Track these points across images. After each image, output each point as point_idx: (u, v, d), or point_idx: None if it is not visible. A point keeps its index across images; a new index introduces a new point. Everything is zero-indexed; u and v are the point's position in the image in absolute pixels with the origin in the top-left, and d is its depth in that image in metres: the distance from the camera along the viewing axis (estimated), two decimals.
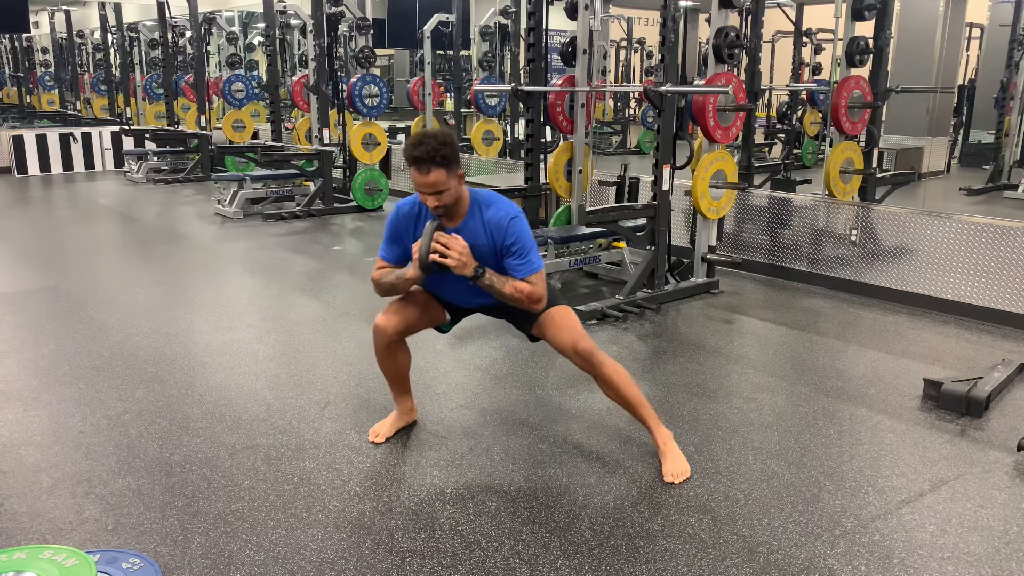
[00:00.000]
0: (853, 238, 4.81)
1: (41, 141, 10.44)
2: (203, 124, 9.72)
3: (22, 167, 10.32)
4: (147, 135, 10.18)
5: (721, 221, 4.94)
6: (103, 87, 13.22)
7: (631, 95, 12.37)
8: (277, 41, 9.16)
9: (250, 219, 7.25)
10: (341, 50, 8.63)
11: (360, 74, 7.29)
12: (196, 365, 3.56)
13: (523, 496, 2.45)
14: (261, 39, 11.22)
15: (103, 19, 12.27)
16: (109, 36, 12.33)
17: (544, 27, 4.71)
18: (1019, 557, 2.16)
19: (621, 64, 12.73)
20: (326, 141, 7.61)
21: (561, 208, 5.00)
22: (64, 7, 13.86)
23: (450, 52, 9.48)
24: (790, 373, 3.53)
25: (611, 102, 11.92)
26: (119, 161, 10.89)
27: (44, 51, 14.93)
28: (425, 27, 8.92)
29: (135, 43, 12.21)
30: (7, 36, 14.66)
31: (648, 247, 4.57)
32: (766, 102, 9.66)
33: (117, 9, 11.94)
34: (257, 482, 2.52)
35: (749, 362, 3.66)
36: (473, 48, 9.08)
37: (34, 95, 14.78)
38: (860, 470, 2.63)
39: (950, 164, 9.02)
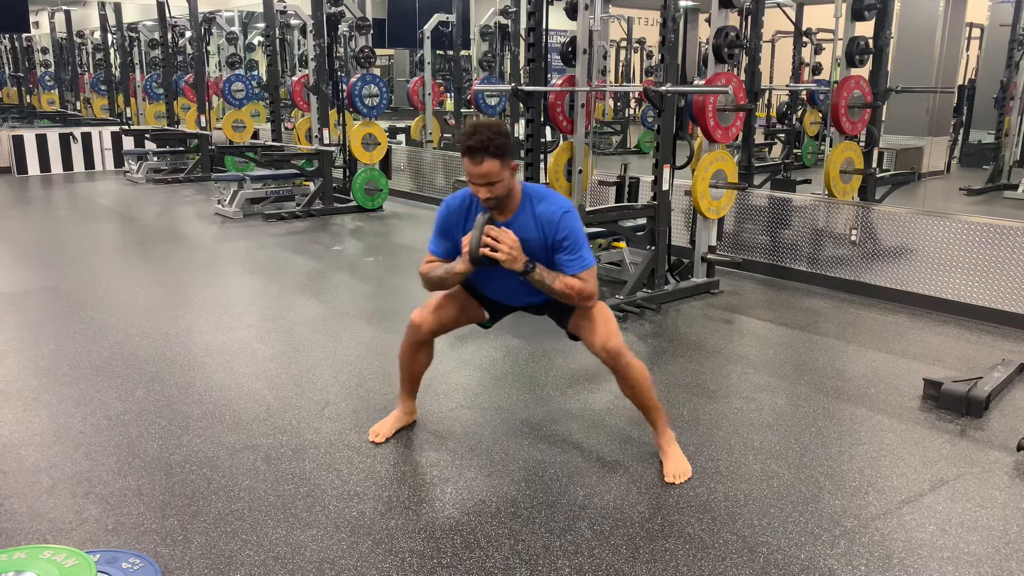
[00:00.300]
0: (853, 238, 4.81)
1: (41, 141, 10.44)
2: (203, 124, 9.72)
3: (22, 167, 10.31)
4: (147, 135, 10.17)
5: (721, 221, 4.94)
6: (103, 87, 13.22)
7: (631, 95, 12.37)
8: (277, 41, 9.16)
9: (250, 219, 7.25)
10: (341, 50, 8.63)
11: (360, 74, 7.29)
12: (196, 365, 3.56)
13: (523, 496, 2.45)
14: (261, 39, 11.22)
15: (103, 19, 12.26)
16: (109, 36, 12.32)
17: (544, 27, 4.70)
18: (1019, 557, 2.16)
19: (621, 64, 12.74)
20: (326, 141, 7.61)
21: None
22: (64, 7, 13.86)
23: (450, 52, 9.48)
24: (790, 373, 3.53)
25: (611, 102, 11.93)
26: (119, 161, 10.89)
27: (44, 51, 14.92)
28: (425, 27, 8.93)
29: (135, 43, 12.20)
30: (7, 36, 14.66)
31: (648, 247, 4.57)
32: (766, 102, 9.66)
33: (117, 9, 11.93)
34: (257, 482, 2.52)
35: (749, 362, 3.66)
36: (473, 48, 9.08)
37: (34, 95, 14.78)
38: (860, 470, 2.63)
39: (950, 164, 9.02)
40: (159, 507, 2.37)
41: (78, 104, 14.34)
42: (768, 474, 2.60)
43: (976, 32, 9.39)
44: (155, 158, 9.96)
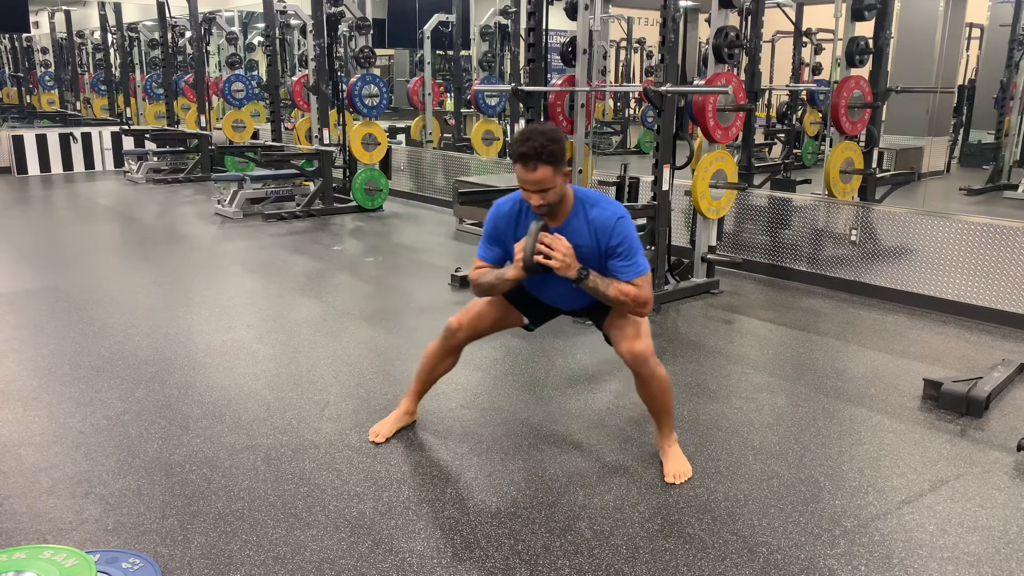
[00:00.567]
0: (853, 238, 4.81)
1: (41, 141, 10.43)
2: (203, 124, 9.72)
3: (22, 167, 10.31)
4: (147, 135, 10.17)
5: (721, 221, 4.94)
6: (103, 87, 13.22)
7: (631, 95, 12.37)
8: (277, 41, 9.16)
9: (250, 219, 7.25)
10: (341, 50, 8.63)
11: (360, 74, 7.29)
12: (196, 365, 3.56)
13: (523, 496, 2.45)
14: (261, 39, 11.22)
15: (103, 19, 12.27)
16: (109, 36, 12.32)
17: (544, 27, 4.70)
18: (1019, 557, 2.16)
19: (621, 64, 12.74)
20: (326, 141, 7.61)
21: None
22: (64, 7, 13.85)
23: (450, 52, 9.48)
24: (790, 373, 3.53)
25: (611, 102, 11.93)
26: (119, 161, 10.88)
27: (44, 51, 14.92)
28: (425, 27, 8.93)
29: (135, 43, 12.21)
30: (7, 36, 14.66)
31: (648, 247, 4.57)
32: (766, 102, 9.67)
33: (117, 9, 11.93)
34: (257, 482, 2.52)
35: (749, 362, 3.66)
36: (473, 48, 9.08)
37: (34, 95, 14.78)
38: (860, 470, 2.63)
39: (950, 164, 9.03)
40: (159, 507, 2.37)
41: (78, 104, 14.34)
42: (768, 474, 2.60)
43: (976, 32, 9.40)
44: (155, 158, 9.95)
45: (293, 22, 10.18)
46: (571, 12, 4.73)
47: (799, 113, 8.52)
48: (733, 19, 4.71)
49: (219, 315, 4.31)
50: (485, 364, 3.58)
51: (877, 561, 2.13)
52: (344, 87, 7.43)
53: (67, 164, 10.65)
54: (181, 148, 10.05)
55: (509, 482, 2.53)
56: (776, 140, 9.12)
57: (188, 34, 10.54)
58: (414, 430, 2.89)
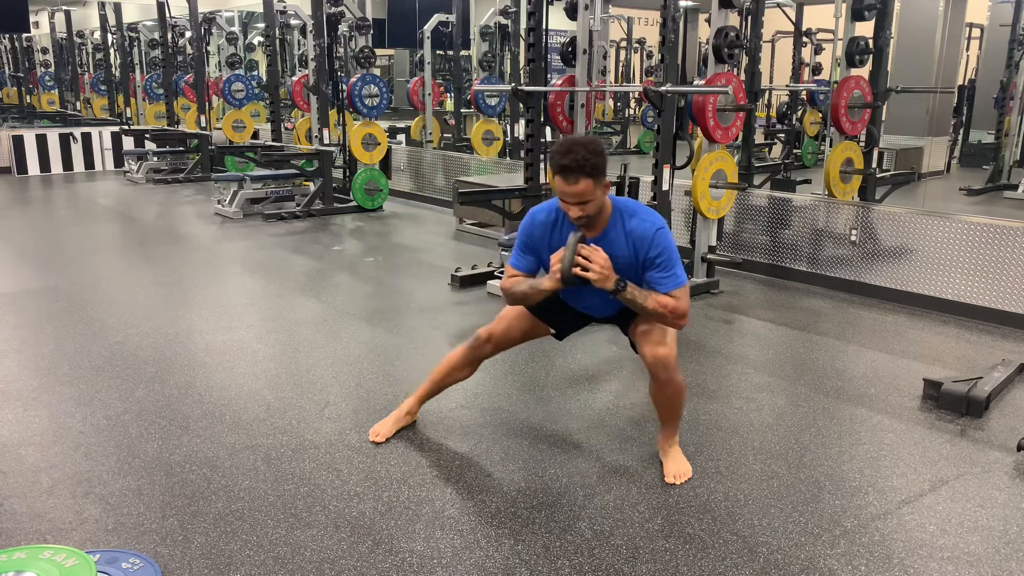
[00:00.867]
0: (853, 238, 4.81)
1: (41, 141, 10.43)
2: (203, 124, 9.72)
3: (22, 167, 10.31)
4: (147, 135, 10.17)
5: (721, 221, 4.94)
6: (103, 87, 13.22)
7: (631, 95, 12.38)
8: (277, 41, 9.16)
9: (250, 219, 7.25)
10: (341, 50, 8.63)
11: (360, 74, 7.29)
12: (196, 365, 3.56)
13: (523, 496, 2.45)
14: (261, 39, 11.23)
15: (103, 19, 12.26)
16: (109, 36, 12.32)
17: (544, 27, 4.70)
18: (1019, 557, 2.16)
19: (621, 64, 12.74)
20: (326, 141, 7.61)
21: None
22: (64, 7, 13.85)
23: (450, 52, 9.48)
24: (790, 373, 3.53)
25: (611, 102, 11.93)
26: (119, 161, 10.88)
27: (44, 51, 14.92)
28: (425, 27, 8.93)
29: (135, 43, 12.20)
30: (7, 36, 14.65)
31: None
32: (766, 102, 9.67)
33: (117, 9, 11.93)
34: (257, 482, 2.52)
35: (749, 362, 3.66)
36: (473, 48, 9.08)
37: (34, 95, 14.78)
38: (860, 470, 2.63)
39: (950, 164, 9.03)
40: (159, 507, 2.37)
41: (78, 104, 14.34)
42: (768, 474, 2.60)
43: (976, 32, 9.40)
44: (155, 158, 9.95)
45: (293, 22, 10.18)
46: (571, 12, 4.73)
47: (799, 113, 8.52)
48: (733, 19, 4.71)
49: (219, 315, 4.31)
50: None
51: (877, 561, 2.13)
52: (344, 87, 7.43)
53: (67, 164, 10.65)
54: (181, 148, 10.05)
55: (509, 482, 2.53)
56: (776, 140, 9.12)
57: (188, 34, 10.54)
58: (414, 430, 2.89)
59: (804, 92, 8.26)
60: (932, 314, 4.39)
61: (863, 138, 5.43)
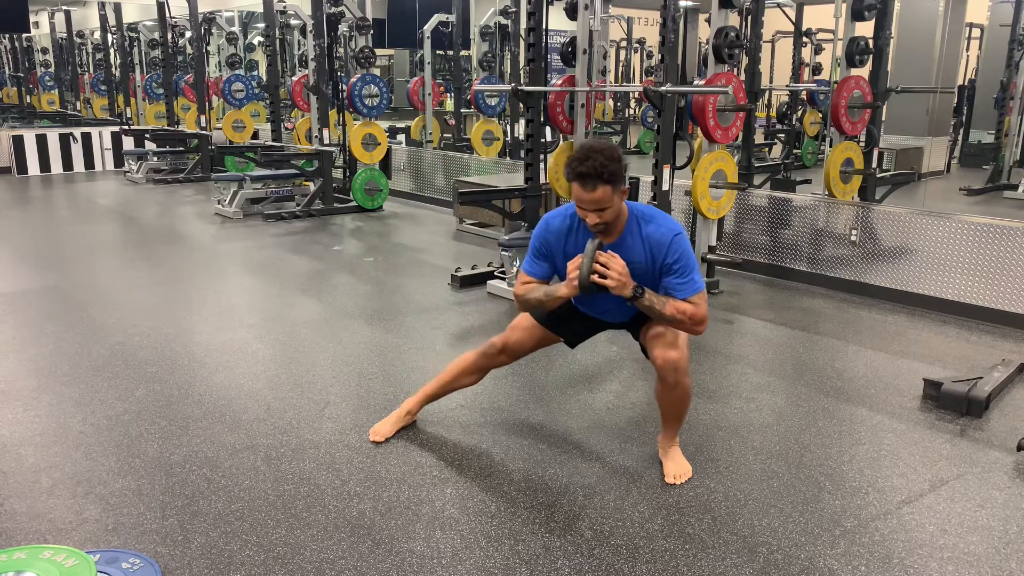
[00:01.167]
0: (853, 238, 4.81)
1: (41, 141, 10.43)
2: (203, 124, 9.72)
3: (22, 167, 10.31)
4: (147, 135, 10.17)
5: (721, 221, 4.94)
6: (103, 87, 13.22)
7: (631, 95, 12.37)
8: (277, 41, 9.16)
9: (250, 219, 7.25)
10: (341, 50, 8.63)
11: (360, 74, 7.29)
12: (196, 365, 3.56)
13: (523, 496, 2.45)
14: (261, 39, 11.22)
15: (103, 19, 12.26)
16: (109, 36, 12.32)
17: (544, 27, 4.71)
18: (1019, 557, 2.16)
19: (621, 64, 12.74)
20: (326, 141, 7.61)
21: None
22: (64, 7, 13.85)
23: (450, 52, 9.48)
24: (790, 373, 3.53)
25: (611, 102, 11.93)
26: (119, 161, 10.88)
27: (44, 51, 14.92)
28: (425, 27, 8.93)
29: (135, 43, 12.20)
30: (7, 36, 14.64)
31: None
32: (766, 102, 9.67)
33: (117, 9, 11.93)
34: (257, 482, 2.52)
35: (749, 362, 3.66)
36: (473, 48, 9.08)
37: (34, 95, 14.77)
38: (860, 470, 2.63)
39: (950, 164, 9.03)
40: (159, 507, 2.37)
41: (78, 104, 14.34)
42: (768, 474, 2.60)
43: (976, 32, 9.40)
44: (155, 158, 9.96)
45: (293, 22, 10.18)
46: (571, 12, 4.73)
47: (799, 113, 8.52)
48: (733, 19, 4.71)
49: (219, 315, 4.30)
50: None
51: (877, 561, 2.13)
52: (344, 87, 7.43)
53: (67, 164, 10.65)
54: (181, 148, 10.05)
55: (509, 482, 2.53)
56: (776, 140, 9.12)
57: (188, 34, 10.54)
58: (414, 430, 2.89)
59: (804, 92, 8.26)
60: (932, 314, 4.39)
61: (863, 138, 5.43)
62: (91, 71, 13.91)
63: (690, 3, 6.17)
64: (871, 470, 2.63)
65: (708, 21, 4.50)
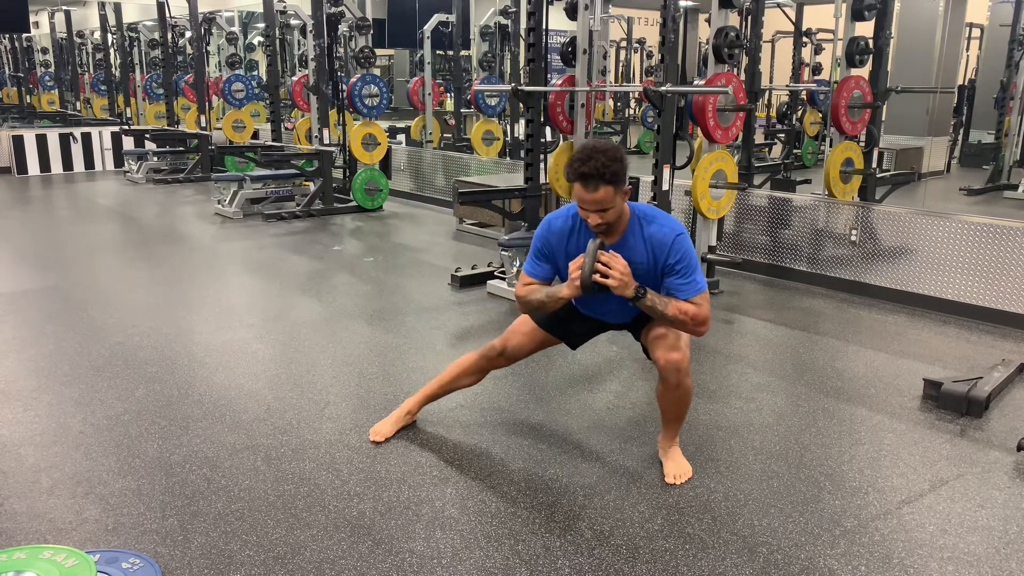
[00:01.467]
0: (853, 238, 4.81)
1: (41, 141, 10.43)
2: (203, 124, 9.72)
3: (22, 167, 10.31)
4: (147, 135, 10.17)
5: (721, 221, 4.94)
6: (103, 87, 13.22)
7: (631, 95, 12.37)
8: (277, 41, 9.15)
9: (250, 219, 7.25)
10: (341, 50, 8.63)
11: (360, 74, 7.29)
12: (196, 365, 3.56)
13: (523, 496, 2.45)
14: (261, 39, 11.22)
15: (103, 19, 12.26)
16: (109, 36, 12.32)
17: (544, 27, 4.71)
18: (1019, 557, 2.16)
19: (621, 64, 12.74)
20: (326, 141, 7.61)
21: None
22: (64, 7, 13.85)
23: (450, 52, 9.48)
24: (790, 373, 3.53)
25: (611, 102, 11.93)
26: (119, 161, 10.88)
27: (44, 51, 14.92)
28: (425, 27, 8.93)
29: (135, 43, 12.20)
30: (7, 36, 14.64)
31: None
32: (766, 102, 9.66)
33: (117, 9, 11.93)
34: (257, 482, 2.52)
35: (749, 362, 3.66)
36: (473, 48, 9.08)
37: (34, 95, 14.77)
38: (860, 470, 2.63)
39: (950, 164, 9.03)
40: (159, 507, 2.37)
41: (78, 104, 14.34)
42: (768, 474, 2.60)
43: (976, 32, 9.40)
44: (155, 158, 9.95)
45: (293, 22, 10.18)
46: (571, 12, 4.73)
47: (799, 113, 8.52)
48: (733, 19, 4.71)
49: (219, 315, 4.31)
50: None
51: (877, 561, 2.13)
52: (344, 87, 7.43)
53: (67, 164, 10.65)
54: (181, 148, 10.05)
55: (509, 482, 2.53)
56: (776, 140, 9.12)
57: (188, 34, 10.54)
58: (414, 430, 2.89)
59: (804, 92, 8.26)
60: (932, 314, 4.39)
61: (863, 138, 5.43)
62: (91, 71, 13.91)
63: (690, 3, 6.17)
64: (871, 470, 2.63)
65: (708, 21, 4.50)
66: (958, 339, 4.00)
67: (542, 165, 4.91)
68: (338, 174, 7.81)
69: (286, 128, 9.59)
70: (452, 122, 9.94)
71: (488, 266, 5.07)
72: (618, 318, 2.63)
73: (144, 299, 4.66)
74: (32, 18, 12.34)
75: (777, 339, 4.04)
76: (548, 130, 5.40)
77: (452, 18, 9.08)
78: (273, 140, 8.82)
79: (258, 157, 8.06)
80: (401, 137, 9.87)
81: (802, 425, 2.98)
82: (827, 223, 4.99)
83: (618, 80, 12.42)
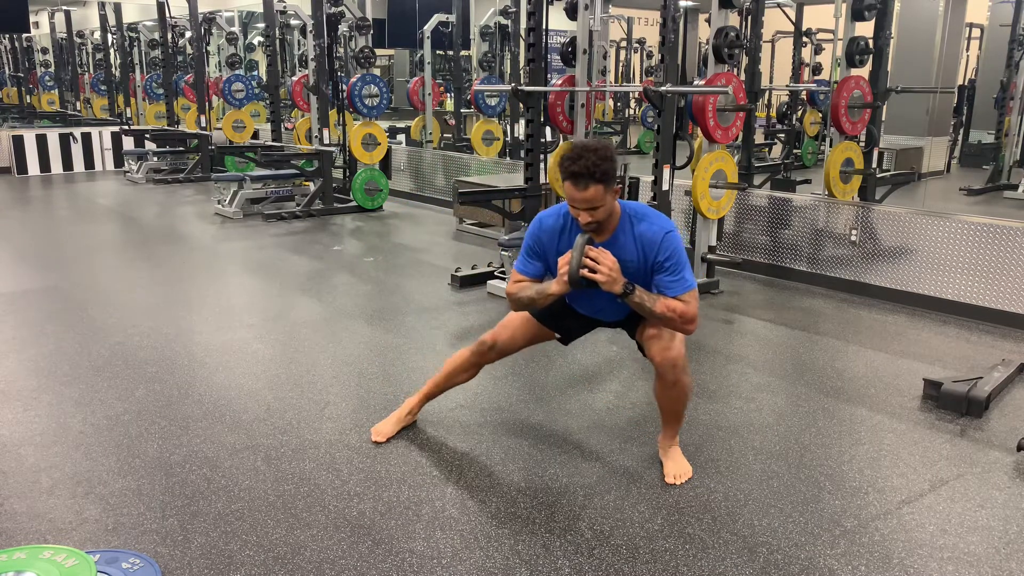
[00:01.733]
0: (853, 238, 4.81)
1: (41, 141, 10.43)
2: (203, 124, 9.72)
3: (22, 167, 10.31)
4: (147, 135, 10.17)
5: (721, 221, 4.94)
6: (103, 87, 13.22)
7: (631, 95, 12.37)
8: (277, 41, 9.15)
9: (250, 219, 7.25)
10: (341, 50, 8.63)
11: (360, 74, 7.29)
12: (196, 365, 3.56)
13: (523, 496, 2.45)
14: (261, 39, 11.22)
15: (103, 19, 12.26)
16: (109, 36, 12.32)
17: (544, 27, 4.71)
18: (1019, 557, 2.16)
19: (621, 64, 12.74)
20: (326, 141, 7.61)
21: None
22: (64, 7, 13.85)
23: (450, 52, 9.48)
24: (790, 373, 3.53)
25: (611, 102, 11.92)
26: (119, 161, 10.88)
27: (44, 51, 14.91)
28: (425, 27, 8.93)
29: (135, 43, 12.20)
30: (7, 36, 14.64)
31: None
32: (766, 102, 9.66)
33: (117, 9, 11.93)
34: (257, 482, 2.52)
35: (749, 362, 3.66)
36: (473, 48, 9.08)
37: (34, 95, 14.77)
38: (860, 470, 2.63)
39: (950, 164, 9.03)
40: (159, 507, 2.37)
41: (78, 104, 14.33)
42: (768, 474, 2.60)
43: (976, 32, 9.40)
44: (155, 158, 9.95)
45: (293, 22, 10.18)
46: (571, 12, 4.73)
47: (799, 113, 8.52)
48: (733, 19, 4.71)
49: (219, 315, 4.31)
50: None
51: (877, 561, 2.13)
52: (344, 87, 7.43)
53: (67, 164, 10.65)
54: (181, 148, 10.05)
55: (509, 482, 2.53)
56: (776, 140, 9.12)
57: (188, 34, 10.54)
58: (414, 430, 2.89)
59: (804, 92, 8.26)
60: (932, 314, 4.39)
61: (863, 138, 5.43)
62: (91, 71, 13.91)
63: (690, 3, 6.17)
64: (871, 470, 2.63)
65: (708, 21, 4.50)
66: (958, 339, 4.00)
67: (542, 165, 4.91)
68: (338, 174, 7.81)
69: (286, 128, 9.59)
70: (452, 122, 9.94)
71: (488, 266, 5.07)
72: (611, 316, 2.63)
73: (144, 299, 4.66)
74: (32, 18, 12.34)
75: (777, 339, 4.04)
76: (548, 130, 5.40)
77: (452, 18, 9.08)
78: (273, 140, 8.82)
79: (258, 157, 8.06)
80: (401, 137, 9.87)
81: (802, 425, 2.98)
82: (827, 223, 4.99)
83: (618, 80, 12.42)
